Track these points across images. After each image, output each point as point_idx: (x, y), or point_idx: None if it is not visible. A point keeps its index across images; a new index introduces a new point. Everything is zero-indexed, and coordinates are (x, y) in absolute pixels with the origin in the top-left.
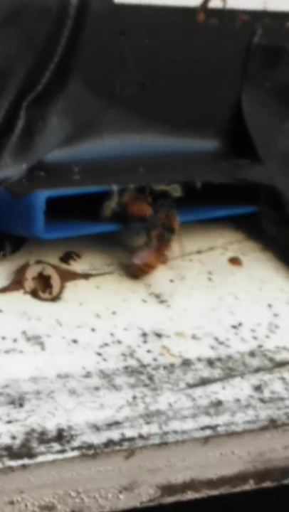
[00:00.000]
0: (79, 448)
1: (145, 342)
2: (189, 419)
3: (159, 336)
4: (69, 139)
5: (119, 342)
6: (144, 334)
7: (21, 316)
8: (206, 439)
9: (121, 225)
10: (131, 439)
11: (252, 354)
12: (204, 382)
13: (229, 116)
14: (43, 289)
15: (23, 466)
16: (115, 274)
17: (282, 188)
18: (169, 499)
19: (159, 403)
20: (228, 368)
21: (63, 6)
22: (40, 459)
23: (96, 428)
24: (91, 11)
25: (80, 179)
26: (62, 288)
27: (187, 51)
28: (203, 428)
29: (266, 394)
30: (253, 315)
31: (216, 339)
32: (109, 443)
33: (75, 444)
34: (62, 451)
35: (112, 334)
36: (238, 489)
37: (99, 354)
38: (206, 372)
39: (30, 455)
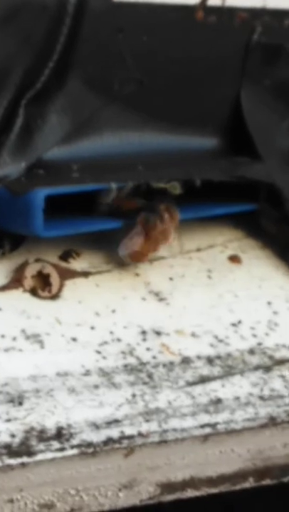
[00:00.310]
0: (78, 446)
1: (144, 340)
2: (189, 417)
3: (158, 333)
4: (68, 136)
5: (118, 340)
6: (144, 332)
7: (20, 315)
8: (205, 437)
9: (120, 223)
10: (130, 437)
11: (251, 352)
12: (204, 380)
13: (228, 114)
14: (43, 287)
15: (23, 465)
16: (114, 272)
17: (282, 185)
18: (169, 497)
19: (158, 401)
20: (228, 366)
21: (62, 4)
22: (39, 457)
23: (95, 426)
24: (89, 8)
25: (79, 177)
26: (61, 286)
27: (186, 49)
28: (202, 426)
29: (266, 392)
30: (252, 313)
31: (216, 337)
32: (109, 441)
33: (75, 442)
34: (62, 449)
35: (111, 332)
36: (237, 487)
37: (98, 352)
38: (205, 370)
39: (30, 453)
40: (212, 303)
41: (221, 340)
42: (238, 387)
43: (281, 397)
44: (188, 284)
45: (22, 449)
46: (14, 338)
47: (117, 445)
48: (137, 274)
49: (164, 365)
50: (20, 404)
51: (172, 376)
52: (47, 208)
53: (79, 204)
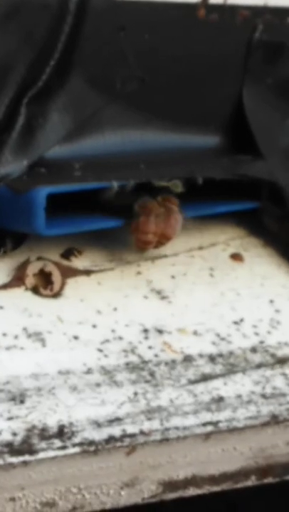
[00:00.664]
0: (80, 444)
1: (146, 338)
2: (191, 415)
3: (160, 332)
4: (70, 135)
5: (120, 338)
6: (146, 330)
7: (22, 313)
8: (207, 435)
9: (122, 221)
10: (132, 436)
11: (253, 350)
12: (206, 378)
13: (230, 112)
14: (44, 285)
15: (24, 463)
16: (116, 271)
17: (284, 183)
18: (171, 495)
19: (160, 399)
20: (230, 364)
21: (63, 2)
22: (41, 455)
23: (97, 424)
24: (91, 6)
25: (80, 175)
26: (63, 284)
27: (188, 47)
28: (204, 424)
29: (268, 390)
30: (254, 311)
31: (218, 335)
32: (111, 439)
33: (76, 440)
34: (64, 447)
35: (113, 330)
36: (240, 485)
37: (100, 350)
38: (207, 368)
39: (31, 451)
40: (214, 301)
41: (223, 339)
42: (240, 385)
43: (283, 395)
44: (190, 282)
45: (24, 447)
46: (16, 337)
47: (118, 443)
48: (139, 273)
49: (166, 364)
50: (22, 402)
51: (174, 374)
52: (49, 207)
53: (81, 202)
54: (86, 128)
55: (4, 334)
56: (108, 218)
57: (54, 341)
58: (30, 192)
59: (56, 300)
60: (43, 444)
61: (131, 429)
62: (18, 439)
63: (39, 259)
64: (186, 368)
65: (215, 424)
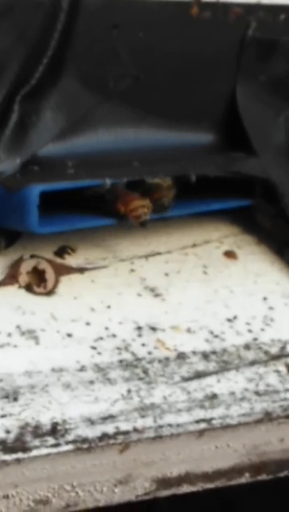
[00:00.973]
0: (73, 442)
1: (140, 336)
2: (184, 412)
3: (153, 329)
4: (63, 133)
5: (113, 336)
6: (139, 328)
7: (16, 311)
8: (200, 432)
9: (115, 220)
10: (126, 433)
11: (247, 347)
12: (199, 375)
13: (224, 110)
14: (38, 283)
15: (18, 460)
16: (110, 268)
17: (277, 180)
18: (165, 492)
19: (153, 396)
20: (223, 361)
21: (56, 0)
22: (34, 452)
23: (90, 422)
24: (84, 4)
25: (74, 173)
26: (56, 282)
27: (181, 45)
28: (198, 421)
29: (261, 387)
30: (248, 308)
31: (211, 332)
32: (104, 436)
33: (70, 437)
34: (57, 445)
35: (106, 328)
36: (233, 482)
37: (93, 348)
38: (201, 366)
39: (25, 449)
40: (208, 298)
41: (216, 336)
42: (234, 382)
43: (277, 392)
44: (184, 279)
45: (17, 444)
46: (9, 334)
47: (112, 441)
48: (133, 270)
49: (160, 361)
50: (16, 400)
51: (167, 372)
52: (42, 204)
53: (75, 201)
54: (79, 126)
55: None
56: (101, 216)
57: (47, 339)
58: (24, 190)
59: (50, 298)
60: (37, 442)
61: (124, 426)
62: (12, 436)
63: (32, 256)
64: (180, 365)
65: (208, 421)
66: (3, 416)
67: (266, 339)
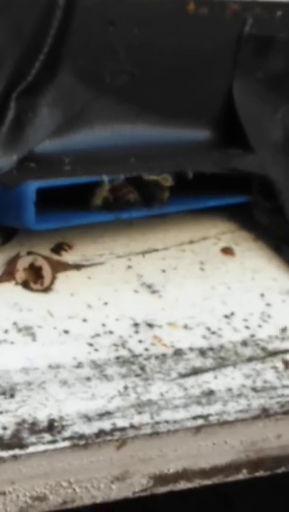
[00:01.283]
0: (70, 438)
1: (137, 332)
2: (181, 408)
3: (150, 326)
4: (59, 129)
5: (110, 332)
6: (136, 324)
7: (12, 307)
8: (197, 429)
9: (112, 216)
10: (122, 429)
11: (244, 343)
12: (196, 371)
13: (221, 106)
14: (35, 280)
15: (14, 457)
16: (107, 265)
17: (274, 177)
18: (162, 489)
19: (150, 393)
20: (220, 358)
21: None
22: (31, 449)
23: (87, 418)
24: (80, 1)
25: (70, 170)
26: (53, 279)
27: (177, 41)
28: (195, 417)
29: (258, 383)
30: (245, 304)
31: (208, 329)
32: (101, 433)
33: (66, 434)
34: (54, 441)
35: (103, 325)
36: (231, 479)
37: (90, 344)
38: (197, 362)
39: (22, 446)
40: (205, 295)
41: (213, 332)
42: (231, 378)
43: (274, 388)
44: (181, 276)
45: (14, 441)
46: (6, 331)
47: (109, 437)
48: (130, 267)
49: (157, 357)
50: (12, 396)
51: (164, 368)
52: (39, 201)
53: (71, 197)
54: (76, 122)
55: None
56: (98, 213)
57: (44, 336)
58: (20, 186)
59: (46, 294)
60: (33, 438)
61: (121, 422)
62: (8, 433)
63: (29, 253)
64: (177, 361)
65: (205, 417)
66: (0, 413)
67: (263, 335)
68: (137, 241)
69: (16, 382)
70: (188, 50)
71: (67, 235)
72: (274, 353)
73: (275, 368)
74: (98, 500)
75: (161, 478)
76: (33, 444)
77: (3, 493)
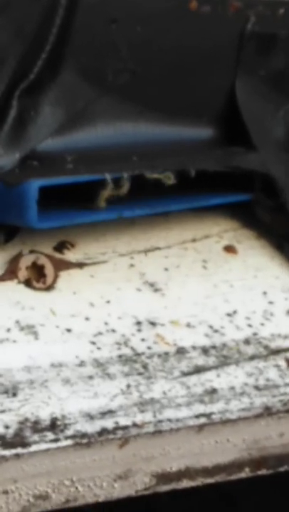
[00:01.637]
0: (73, 437)
1: (139, 330)
2: (184, 407)
3: (153, 324)
4: (62, 127)
5: (113, 331)
6: (139, 323)
7: (15, 306)
8: (200, 427)
9: (115, 214)
10: (125, 428)
11: (247, 342)
12: (199, 370)
13: (223, 104)
14: (37, 278)
15: (17, 456)
16: (109, 263)
17: (277, 175)
18: (164, 487)
19: (153, 391)
20: (223, 356)
21: None
22: (33, 448)
23: (90, 417)
24: None
25: (73, 168)
26: (56, 277)
27: (180, 39)
28: (197, 416)
29: (261, 381)
30: (248, 303)
31: (211, 327)
32: (103, 432)
33: (69, 433)
34: (56, 440)
35: (106, 323)
36: (233, 477)
37: (93, 343)
38: (200, 360)
39: (24, 444)
40: (207, 293)
41: (216, 331)
42: (233, 377)
43: (276, 386)
44: (184, 274)
45: (16, 440)
46: (8, 330)
47: (111, 436)
48: (132, 265)
49: (159, 356)
50: (15, 395)
51: (167, 366)
52: (42, 200)
53: (74, 195)
54: (78, 121)
55: None
56: (101, 211)
57: (47, 334)
58: (23, 185)
59: (49, 293)
60: (36, 437)
61: (124, 421)
62: (11, 431)
63: (32, 252)
64: (179, 360)
65: (208, 416)
66: (3, 411)
67: (266, 334)
68: (139, 239)
69: (18, 381)
70: (190, 47)
71: (70, 234)
72: (277, 352)
73: (277, 366)
74: (101, 499)
75: (163, 477)
76: (35, 442)
77: (6, 492)
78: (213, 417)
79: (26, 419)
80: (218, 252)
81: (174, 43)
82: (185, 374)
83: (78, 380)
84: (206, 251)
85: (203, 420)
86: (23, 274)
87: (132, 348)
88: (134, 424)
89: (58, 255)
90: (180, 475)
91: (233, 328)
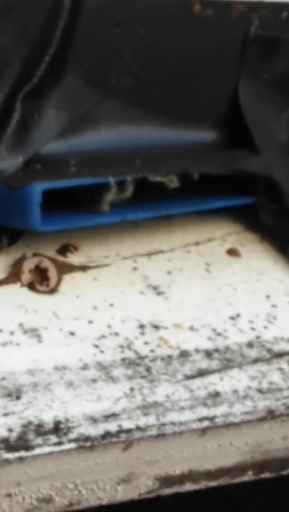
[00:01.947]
0: (76, 440)
1: (143, 334)
2: (187, 410)
3: (156, 327)
4: (65, 131)
5: (116, 334)
6: (142, 326)
7: (18, 309)
8: (203, 431)
9: (118, 217)
10: (128, 431)
11: (250, 345)
12: (202, 373)
13: (226, 107)
14: (40, 281)
15: (20, 459)
16: (113, 266)
17: (280, 178)
18: (168, 491)
19: (156, 395)
20: (226, 359)
21: None
22: (37, 451)
23: (93, 420)
24: (86, 2)
25: (76, 171)
26: (59, 280)
27: (183, 42)
28: (200, 419)
29: (264, 385)
30: (251, 306)
31: (214, 330)
32: (107, 435)
33: (72, 436)
34: (60, 443)
35: (109, 326)
36: (236, 480)
37: (96, 346)
38: (203, 364)
39: (27, 447)
40: (210, 296)
41: (219, 334)
42: (237, 380)
43: (280, 390)
44: (187, 277)
45: (20, 443)
46: (12, 333)
47: (114, 439)
48: (135, 268)
49: (162, 359)
50: (18, 398)
51: (170, 370)
52: (45, 203)
53: (78, 199)
54: (81, 124)
55: (0, 330)
56: (104, 214)
57: (50, 337)
58: (26, 188)
59: (52, 296)
60: (39, 440)
61: (127, 424)
62: (14, 435)
63: (35, 255)
64: (183, 363)
65: (211, 419)
66: (6, 414)
67: (269, 337)
68: (142, 242)
69: (21, 384)
70: (194, 51)
71: (73, 237)
72: (280, 355)
73: (280, 369)
74: (104, 502)
75: (167, 480)
76: (38, 445)
77: (9, 495)
78: (217, 420)
79: (30, 423)
80: (221, 256)
81: (177, 47)
82: (188, 377)
83: (81, 383)
84: (209, 254)
85: (206, 423)
86: (26, 277)
87: (136, 352)
88: (138, 428)
89: (61, 258)
90: (183, 478)
91: (236, 331)
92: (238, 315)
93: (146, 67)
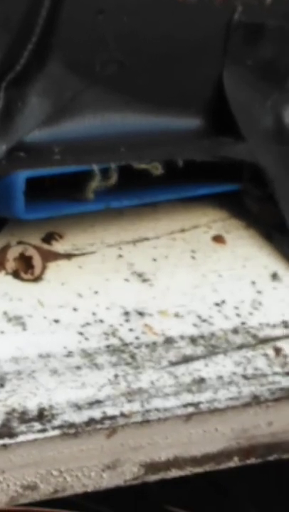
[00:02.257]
0: (60, 427)
1: (127, 321)
2: (171, 396)
3: (141, 314)
4: (49, 119)
5: (101, 321)
6: (127, 313)
7: (3, 297)
8: (188, 417)
9: (103, 204)
10: (113, 418)
11: (235, 331)
12: (187, 359)
13: (211, 94)
14: (25, 269)
15: (4, 446)
16: (97, 254)
17: (265, 165)
18: (153, 477)
19: (141, 381)
20: (211, 346)
21: None
22: (21, 438)
23: (77, 407)
24: None
25: (60, 159)
26: (44, 268)
27: (167, 29)
28: (185, 405)
29: (249, 371)
30: (236, 292)
31: (199, 317)
32: (91, 421)
33: (56, 423)
34: (44, 430)
35: (94, 313)
36: (222, 466)
37: (81, 333)
38: (188, 350)
39: (11, 435)
40: (196, 283)
41: (204, 320)
42: (222, 366)
43: (265, 375)
44: (172, 264)
45: (3, 430)
46: None
47: (99, 426)
48: (120, 256)
49: (147, 346)
50: (2, 386)
51: (155, 356)
52: (30, 191)
53: (62, 187)
54: (65, 111)
55: None
56: (89, 202)
57: (34, 325)
58: (10, 176)
59: (37, 284)
60: (23, 427)
61: (111, 411)
62: None
63: (19, 243)
64: (167, 349)
65: (196, 405)
66: None
67: (254, 323)
68: (127, 230)
69: (5, 372)
70: (177, 38)
71: (58, 225)
72: (265, 341)
73: (266, 355)
74: (89, 489)
75: (152, 466)
76: (23, 433)
77: None
78: (201, 406)
79: (13, 410)
80: (206, 242)
81: (161, 34)
82: (173, 364)
83: (66, 370)
84: (195, 241)
85: (191, 410)
86: (10, 265)
87: (120, 339)
88: (122, 414)
89: (46, 246)
90: (169, 464)
91: (222, 317)
92: (223, 301)
93: (130, 54)
